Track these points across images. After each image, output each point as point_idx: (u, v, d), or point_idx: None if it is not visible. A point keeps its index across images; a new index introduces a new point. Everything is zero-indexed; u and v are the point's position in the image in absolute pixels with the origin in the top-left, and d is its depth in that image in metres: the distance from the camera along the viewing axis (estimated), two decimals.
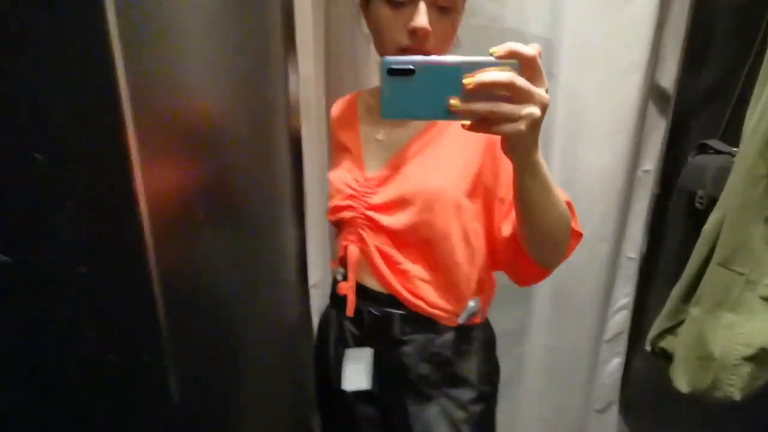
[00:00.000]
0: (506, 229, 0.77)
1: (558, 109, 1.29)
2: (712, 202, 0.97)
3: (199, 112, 0.62)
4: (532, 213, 0.65)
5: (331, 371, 0.91)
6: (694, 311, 0.84)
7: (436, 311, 0.82)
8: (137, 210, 0.48)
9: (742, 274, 0.78)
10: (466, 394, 0.83)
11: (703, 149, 1.09)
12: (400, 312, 0.83)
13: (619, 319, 1.48)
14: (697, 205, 1.04)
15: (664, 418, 1.56)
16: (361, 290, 0.86)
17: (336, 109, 0.98)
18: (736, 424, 1.27)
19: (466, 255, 0.80)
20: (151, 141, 0.48)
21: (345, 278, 0.87)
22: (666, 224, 1.25)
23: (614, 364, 1.52)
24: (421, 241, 0.80)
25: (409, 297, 0.82)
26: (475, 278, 0.83)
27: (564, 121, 1.30)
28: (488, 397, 0.87)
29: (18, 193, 0.41)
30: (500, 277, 0.91)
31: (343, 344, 0.89)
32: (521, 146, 0.56)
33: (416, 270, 0.82)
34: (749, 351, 0.75)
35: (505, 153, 0.58)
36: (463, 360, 0.84)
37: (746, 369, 0.76)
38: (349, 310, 0.86)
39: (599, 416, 1.57)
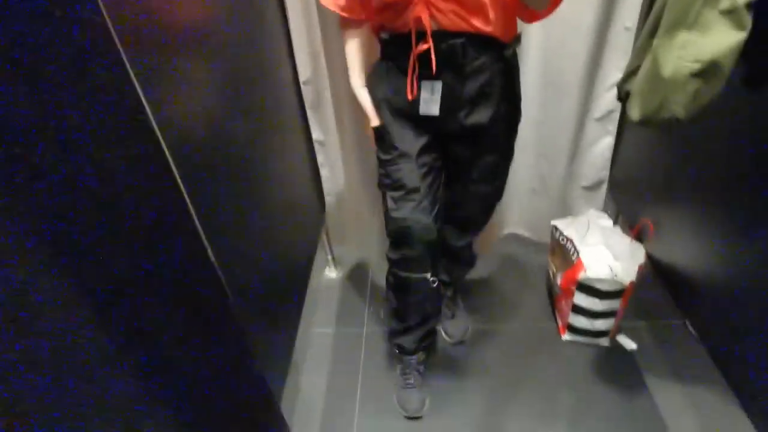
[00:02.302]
0: None
1: None
2: None
3: None
4: None
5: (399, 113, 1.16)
6: (654, 41, 0.83)
7: (499, 36, 1.04)
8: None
9: None
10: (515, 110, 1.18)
11: None
12: (464, 41, 1.02)
13: (611, 97, 1.47)
14: None
15: (652, 198, 1.64)
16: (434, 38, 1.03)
17: None
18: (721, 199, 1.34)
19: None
20: None
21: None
22: None
23: (605, 143, 1.56)
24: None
25: (481, 26, 1.00)
26: (512, 16, 1.07)
27: None
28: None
29: None
30: None
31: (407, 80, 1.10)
32: None
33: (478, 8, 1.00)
34: (698, 66, 0.76)
35: None
36: (511, 78, 1.13)
37: (693, 86, 0.78)
38: (434, 69, 1.04)
39: (587, 192, 1.67)
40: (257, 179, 1.17)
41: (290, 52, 1.46)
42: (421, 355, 1.49)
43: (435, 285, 1.29)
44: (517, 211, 1.79)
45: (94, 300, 0.60)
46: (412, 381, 1.46)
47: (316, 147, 1.65)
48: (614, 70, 1.43)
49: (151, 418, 0.74)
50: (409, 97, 1.09)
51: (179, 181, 0.63)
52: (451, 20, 1.00)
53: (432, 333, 1.50)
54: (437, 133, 1.18)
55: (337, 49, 1.46)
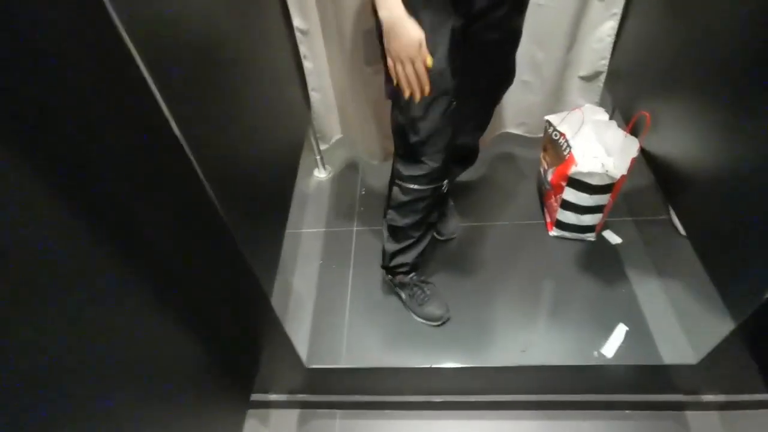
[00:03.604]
0: None
1: None
2: None
3: None
4: None
5: None
6: None
7: None
8: None
9: None
10: None
11: None
12: None
13: None
14: None
15: (651, 89, 1.57)
16: None
17: None
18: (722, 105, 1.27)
19: None
20: None
21: None
22: None
23: (607, 27, 1.46)
24: None
25: None
26: None
27: None
28: None
29: None
30: None
31: None
32: None
33: None
34: None
35: None
36: None
37: None
38: None
39: (584, 83, 1.60)
40: (235, 72, 1.09)
41: None
42: (419, 272, 1.46)
43: (445, 190, 1.24)
44: (508, 107, 1.72)
45: (88, 209, 0.57)
46: (425, 293, 1.43)
47: (298, 36, 1.53)
48: None
49: (144, 317, 0.75)
50: None
51: (147, 77, 0.56)
52: None
53: (430, 240, 1.41)
54: (464, 16, 1.03)
55: None
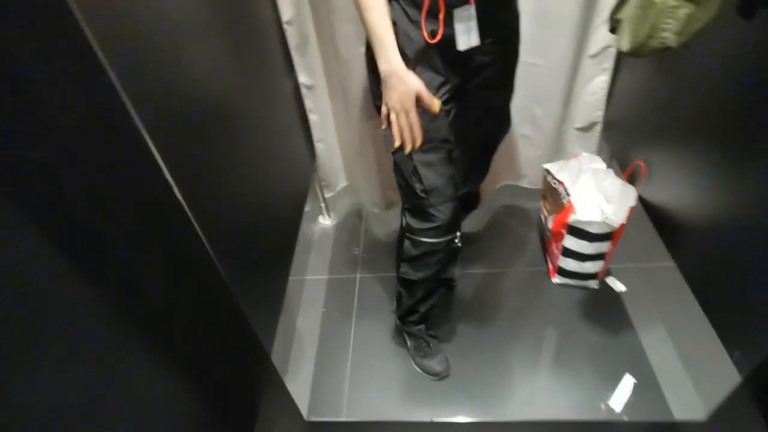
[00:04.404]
0: None
1: None
2: None
3: None
4: None
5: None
6: None
7: None
8: None
9: None
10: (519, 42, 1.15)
11: None
12: None
13: (606, 32, 1.41)
14: None
15: (645, 139, 1.60)
16: None
17: None
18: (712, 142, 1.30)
19: None
20: None
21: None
22: None
23: (599, 81, 1.51)
24: None
25: None
26: None
27: None
28: None
29: None
30: None
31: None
32: None
33: None
34: None
35: None
36: (515, 6, 1.09)
37: (685, 11, 0.74)
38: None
39: (581, 134, 1.63)
40: (239, 127, 1.14)
41: None
42: (428, 325, 1.45)
43: (459, 244, 1.22)
44: (509, 161, 1.76)
45: (83, 260, 0.59)
46: (430, 348, 1.43)
47: (304, 92, 1.60)
48: (608, 5, 1.35)
49: (137, 367, 0.75)
50: (438, 36, 0.98)
51: (142, 130, 0.59)
52: None
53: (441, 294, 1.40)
54: (461, 74, 1.08)
55: None
